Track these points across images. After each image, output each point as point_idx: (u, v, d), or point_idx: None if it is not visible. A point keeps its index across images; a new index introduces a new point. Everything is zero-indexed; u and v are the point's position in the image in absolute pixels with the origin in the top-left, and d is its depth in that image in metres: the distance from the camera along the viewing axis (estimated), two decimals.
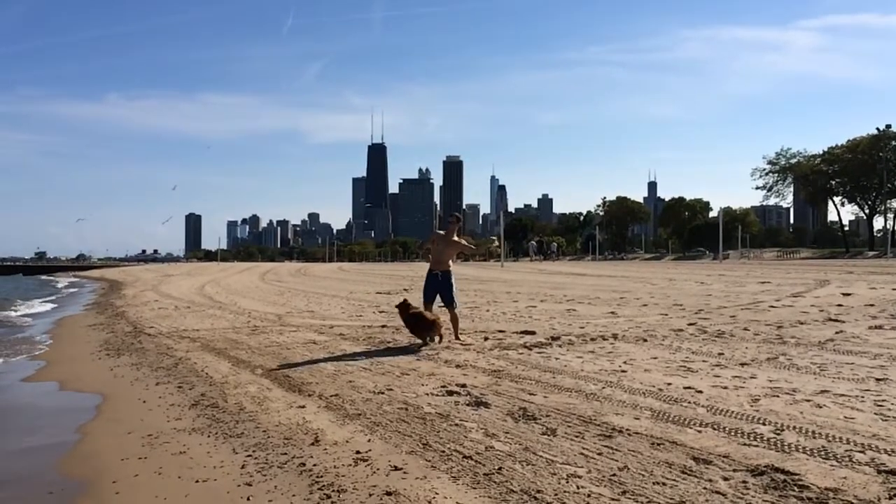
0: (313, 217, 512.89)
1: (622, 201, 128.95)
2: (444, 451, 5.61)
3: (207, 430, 6.78)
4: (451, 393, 7.65)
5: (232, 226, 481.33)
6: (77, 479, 5.97)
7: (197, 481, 5.39)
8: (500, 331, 12.61)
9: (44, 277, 78.27)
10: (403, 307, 11.54)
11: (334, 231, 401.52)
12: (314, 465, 5.49)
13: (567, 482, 4.83)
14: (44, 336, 17.82)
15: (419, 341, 11.33)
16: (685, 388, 7.52)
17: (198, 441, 6.46)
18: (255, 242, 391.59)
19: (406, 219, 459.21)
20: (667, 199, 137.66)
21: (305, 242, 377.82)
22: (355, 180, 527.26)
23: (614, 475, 4.93)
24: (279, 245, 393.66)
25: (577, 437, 5.86)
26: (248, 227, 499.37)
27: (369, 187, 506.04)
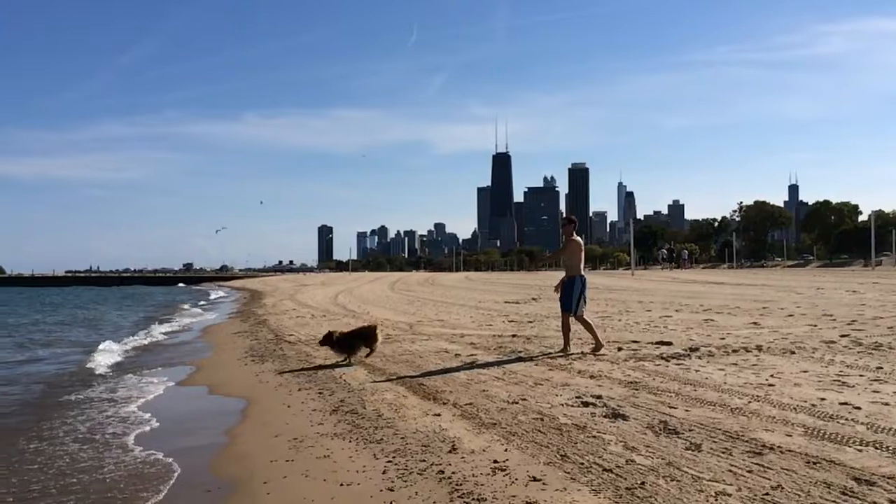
0: (439, 227, 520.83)
1: (760, 206, 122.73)
2: (583, 464, 5.51)
3: (348, 436, 6.99)
4: (586, 404, 7.52)
5: (361, 236, 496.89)
6: (230, 479, 6.31)
7: (341, 485, 5.56)
8: (635, 341, 12.28)
9: (194, 288, 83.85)
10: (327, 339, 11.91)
11: (460, 240, 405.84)
12: (453, 472, 5.54)
13: (716, 500, 4.62)
14: (195, 343, 19.05)
15: (552, 350, 11.23)
16: (841, 403, 7.03)
17: (340, 446, 6.67)
18: (383, 253, 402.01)
19: (532, 227, 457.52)
20: (810, 203, 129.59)
21: (432, 252, 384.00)
22: (480, 190, 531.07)
23: (767, 494, 4.67)
24: (406, 255, 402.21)
25: (723, 453, 5.60)
26: (376, 237, 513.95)
27: (494, 196, 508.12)
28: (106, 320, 31.99)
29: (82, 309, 42.56)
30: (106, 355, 15.82)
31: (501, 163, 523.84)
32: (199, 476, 6.58)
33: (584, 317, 11.29)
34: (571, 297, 11.20)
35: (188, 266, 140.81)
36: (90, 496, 6.12)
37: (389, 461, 5.99)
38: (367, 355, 11.88)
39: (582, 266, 11.50)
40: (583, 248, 11.69)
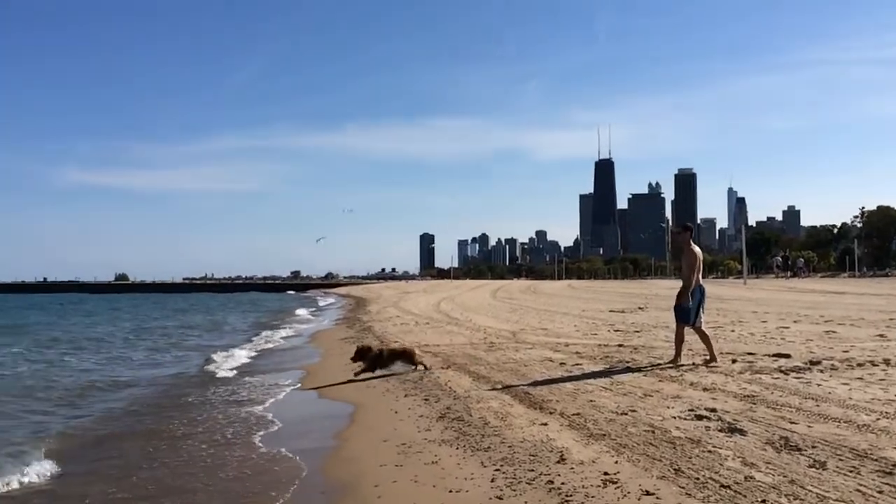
0: (540, 234, 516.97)
1: (885, 211, 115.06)
2: (698, 479, 5.33)
3: (455, 443, 7.03)
4: (700, 417, 7.27)
5: (462, 244, 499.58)
6: (339, 482, 6.47)
7: (450, 491, 5.60)
8: (750, 353, 11.77)
9: (302, 295, 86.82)
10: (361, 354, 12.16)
11: (561, 248, 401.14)
12: (562, 483, 5.47)
13: None
14: (305, 348, 19.68)
15: (661, 361, 10.94)
16: None
17: (447, 452, 6.72)
18: (484, 260, 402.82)
19: (636, 235, 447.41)
20: None
21: (533, 260, 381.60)
22: (582, 197, 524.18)
23: None
24: (507, 263, 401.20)
25: (850, 472, 5.28)
26: (477, 245, 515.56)
27: (597, 203, 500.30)
28: (227, 325, 33.57)
29: (204, 314, 44.72)
30: (227, 359, 16.59)
31: (604, 169, 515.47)
32: (312, 477, 6.79)
33: (703, 328, 10.92)
34: (690, 307, 10.85)
35: (295, 273, 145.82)
36: (220, 493, 6.43)
37: (497, 469, 5.98)
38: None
39: (700, 275, 11.09)
40: (701, 256, 11.27)
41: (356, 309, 41.19)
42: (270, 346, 20.74)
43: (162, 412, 10.61)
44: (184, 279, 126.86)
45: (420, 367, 12.11)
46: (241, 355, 17.50)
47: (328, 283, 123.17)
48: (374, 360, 12.07)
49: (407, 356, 12.32)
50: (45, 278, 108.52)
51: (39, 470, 7.22)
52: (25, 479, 6.98)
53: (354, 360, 12.15)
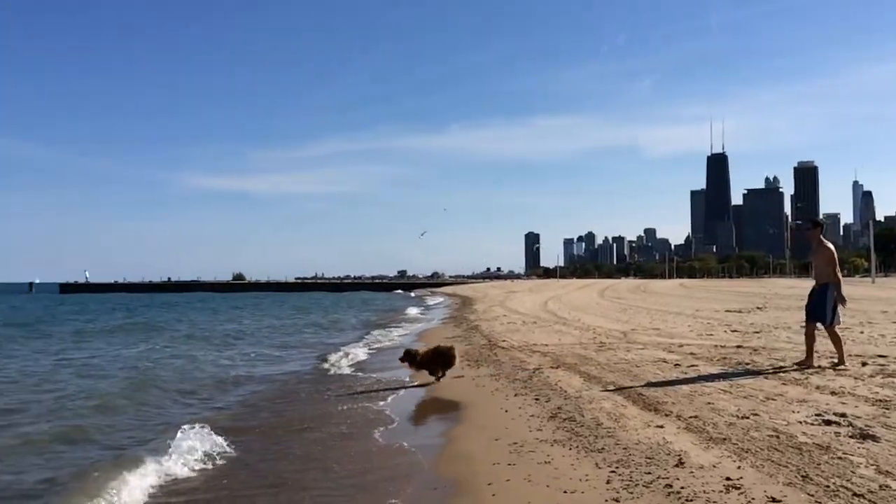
0: (649, 232, 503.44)
1: None
2: (828, 486, 5.06)
3: (568, 443, 6.96)
4: (828, 422, 6.90)
5: (568, 243, 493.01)
6: (452, 479, 6.52)
7: (565, 492, 5.55)
8: (881, 356, 11.07)
9: (409, 294, 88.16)
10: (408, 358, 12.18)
11: (672, 246, 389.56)
12: (681, 487, 5.32)
13: None
14: (414, 346, 19.97)
15: (783, 363, 10.47)
16: None
17: (560, 452, 6.66)
18: (591, 259, 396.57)
19: (752, 231, 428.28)
20: None
21: (642, 258, 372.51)
22: (694, 193, 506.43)
23: None
24: (615, 261, 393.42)
25: None
26: (583, 244, 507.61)
27: (709, 199, 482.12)
28: (342, 322, 34.54)
29: (320, 312, 45.95)
30: (345, 357, 17.08)
31: (717, 164, 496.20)
32: (423, 474, 6.90)
33: (836, 329, 10.36)
34: (825, 306, 10.33)
35: (402, 273, 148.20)
36: (338, 486, 6.64)
37: (613, 471, 5.88)
38: (441, 376, 11.99)
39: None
40: (835, 252, 10.71)
41: (462, 308, 41.46)
42: (385, 343, 21.05)
43: (282, 406, 11.05)
44: (296, 279, 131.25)
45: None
46: (358, 353, 17.96)
47: (434, 282, 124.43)
48: (418, 362, 12.20)
49: (444, 357, 12.23)
50: (168, 278, 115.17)
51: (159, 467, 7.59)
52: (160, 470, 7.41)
53: (401, 360, 12.45)
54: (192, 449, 7.82)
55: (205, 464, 7.58)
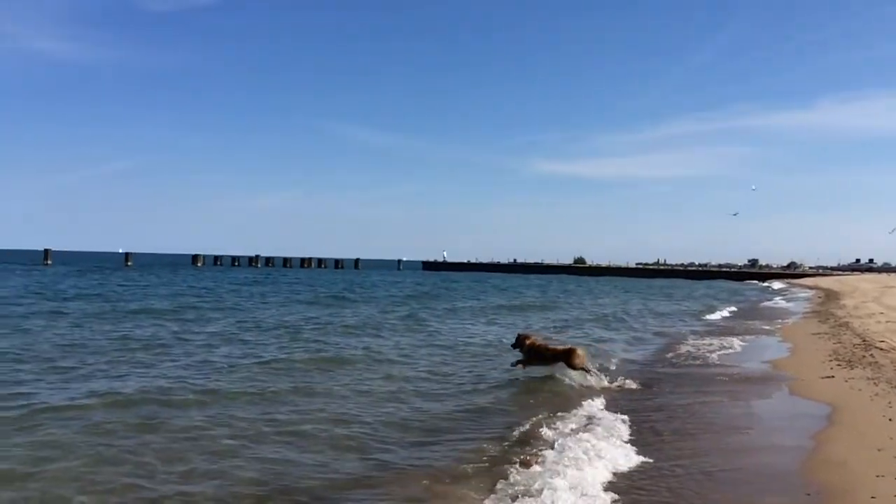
0: None
1: None
2: None
3: None
4: None
5: None
6: (824, 486, 6.01)
7: None
8: None
9: (762, 284, 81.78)
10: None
11: None
12: None
13: None
14: (772, 341, 18.62)
15: None
16: None
17: None
18: None
19: None
20: None
21: None
22: None
23: None
24: None
25: None
26: None
27: None
28: (691, 312, 32.84)
29: (671, 301, 43.36)
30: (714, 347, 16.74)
31: None
32: (791, 476, 6.45)
33: None
34: None
35: (753, 262, 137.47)
36: (720, 480, 6.56)
37: None
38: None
39: None
40: None
41: (826, 302, 37.34)
42: (745, 338, 19.65)
43: (645, 393, 11.13)
44: (637, 264, 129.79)
45: (580, 372, 11.24)
46: (734, 343, 17.44)
47: (790, 272, 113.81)
48: (527, 352, 11.56)
49: (564, 357, 11.39)
50: (514, 259, 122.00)
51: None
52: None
53: (514, 346, 11.89)
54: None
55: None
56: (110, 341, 14.84)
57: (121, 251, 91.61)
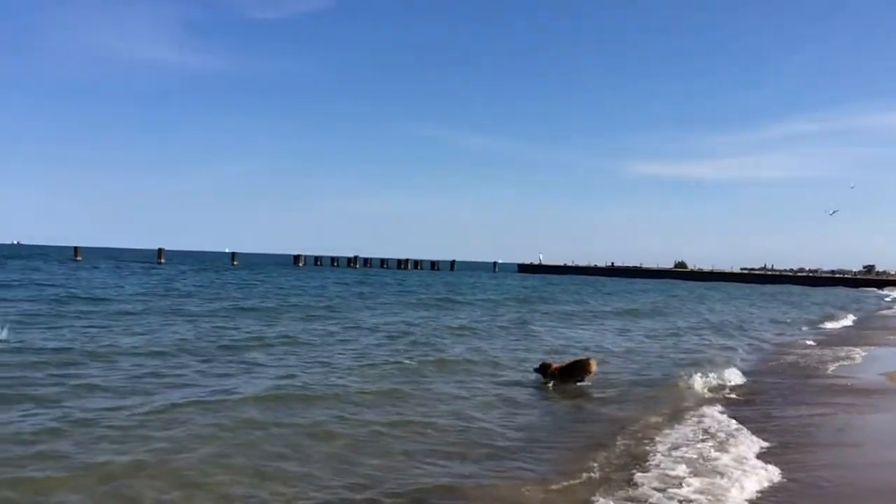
0: None
1: None
2: None
3: None
4: None
5: None
6: None
7: None
8: None
9: (881, 292, 76.50)
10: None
11: None
12: None
13: None
14: (893, 352, 17.91)
15: None
16: None
17: None
18: None
19: None
20: None
21: None
22: None
23: None
24: None
25: None
26: None
27: None
28: (795, 320, 31.49)
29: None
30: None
31: None
32: None
33: None
34: None
35: (868, 268, 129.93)
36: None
37: None
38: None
39: None
40: None
41: None
42: (865, 348, 18.59)
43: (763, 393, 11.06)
44: (741, 269, 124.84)
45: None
46: (833, 354, 16.97)
47: None
48: (552, 376, 12.00)
49: (578, 369, 12.08)
50: (612, 263, 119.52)
51: None
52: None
53: (536, 370, 12.37)
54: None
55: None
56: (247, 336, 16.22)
57: (227, 251, 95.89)
